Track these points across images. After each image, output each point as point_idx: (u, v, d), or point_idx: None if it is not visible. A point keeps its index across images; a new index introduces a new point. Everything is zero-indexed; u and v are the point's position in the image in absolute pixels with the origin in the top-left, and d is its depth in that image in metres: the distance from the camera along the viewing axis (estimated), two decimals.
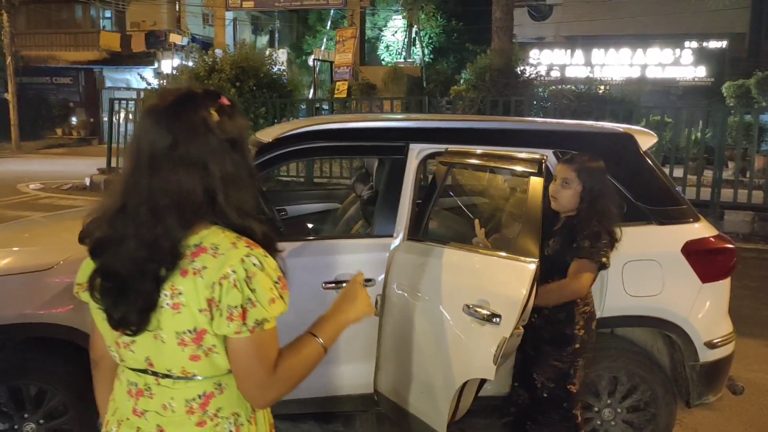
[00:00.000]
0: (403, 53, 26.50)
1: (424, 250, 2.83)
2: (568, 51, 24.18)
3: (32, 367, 2.92)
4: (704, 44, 23.39)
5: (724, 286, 3.20)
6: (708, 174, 10.04)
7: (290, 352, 1.42)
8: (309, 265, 3.00)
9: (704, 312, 3.09)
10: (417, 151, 3.13)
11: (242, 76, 11.65)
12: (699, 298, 3.07)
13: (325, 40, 26.68)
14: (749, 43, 24.89)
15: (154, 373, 1.39)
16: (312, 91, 21.42)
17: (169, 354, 1.35)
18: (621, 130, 3.35)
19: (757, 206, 9.28)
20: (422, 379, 2.68)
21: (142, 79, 13.50)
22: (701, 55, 23.18)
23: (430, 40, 28.13)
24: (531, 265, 2.32)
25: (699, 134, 11.48)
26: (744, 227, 9.02)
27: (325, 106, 14.57)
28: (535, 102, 10.75)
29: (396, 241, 2.99)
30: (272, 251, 1.41)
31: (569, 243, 2.68)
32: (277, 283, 1.37)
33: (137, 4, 27.80)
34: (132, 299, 1.31)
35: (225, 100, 1.42)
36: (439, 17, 26.72)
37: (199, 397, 1.39)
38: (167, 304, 1.32)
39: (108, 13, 29.29)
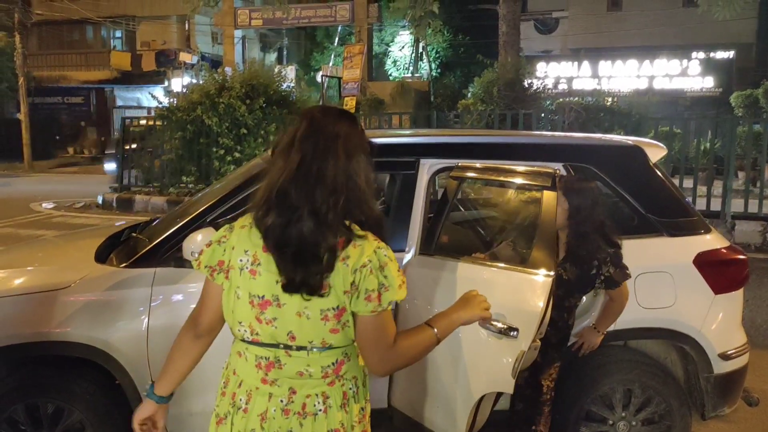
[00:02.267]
0: (411, 68, 26.63)
1: (436, 265, 2.84)
2: (575, 63, 24.21)
3: (50, 385, 2.95)
4: (711, 55, 23.36)
5: (737, 297, 3.19)
6: (718, 184, 10.01)
7: (409, 334, 1.74)
8: None
9: (717, 323, 3.08)
10: (428, 166, 3.16)
11: (252, 94, 11.77)
12: (712, 310, 3.07)
13: (333, 56, 26.88)
14: (757, 53, 24.87)
15: (287, 347, 1.65)
16: None
17: (311, 328, 1.62)
18: (630, 142, 3.36)
19: (767, 216, 9.23)
20: (438, 393, 2.69)
21: (152, 97, 13.64)
22: (709, 66, 23.15)
23: (437, 55, 28.31)
24: (547, 278, 2.34)
25: (708, 145, 11.46)
26: (755, 237, 8.96)
27: None
28: (543, 115, 10.77)
29: (408, 256, 3.01)
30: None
31: (582, 266, 2.79)
32: (400, 271, 1.66)
33: (147, 23, 28.18)
34: (311, 267, 1.58)
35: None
36: (446, 32, 26.89)
37: (333, 364, 1.67)
38: (323, 289, 1.60)
39: (119, 33, 29.71)
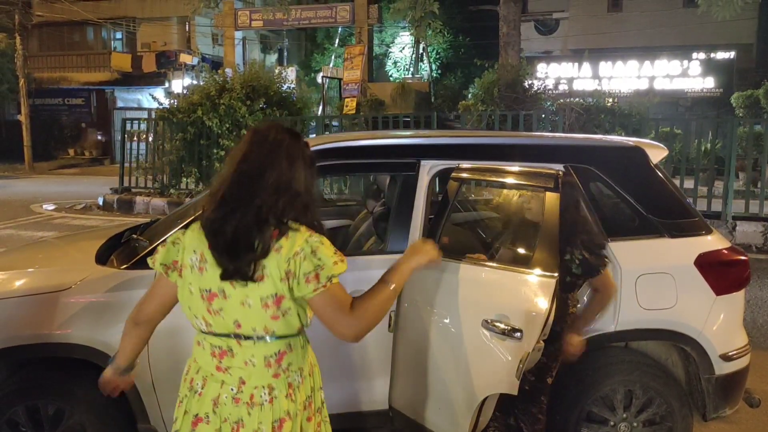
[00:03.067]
0: (411, 69, 26.63)
1: (438, 266, 2.85)
2: (576, 64, 24.22)
3: (50, 386, 2.95)
4: (712, 55, 23.35)
5: (738, 298, 3.18)
6: (719, 185, 10.01)
7: (365, 296, 1.90)
8: None
9: (719, 324, 3.07)
10: (428, 168, 3.15)
11: (253, 95, 11.78)
12: (713, 311, 3.06)
13: (333, 57, 26.89)
14: (757, 53, 24.85)
15: (237, 336, 1.82)
16: (321, 108, 21.55)
17: (254, 315, 1.79)
18: (631, 143, 3.35)
19: None
20: (440, 394, 2.69)
21: (153, 99, 13.65)
22: (709, 66, 23.15)
23: (438, 56, 28.31)
24: (551, 279, 2.33)
25: (709, 145, 11.45)
26: (757, 238, 8.96)
27: (335, 123, 14.67)
28: (543, 116, 10.77)
29: None
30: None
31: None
32: (336, 252, 1.81)
33: (148, 25, 28.20)
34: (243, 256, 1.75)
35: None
36: (446, 33, 26.89)
37: (275, 354, 1.83)
38: (255, 276, 1.76)
39: (119, 35, 29.73)
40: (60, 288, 2.95)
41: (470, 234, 3.63)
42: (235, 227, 1.76)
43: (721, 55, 23.50)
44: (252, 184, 1.79)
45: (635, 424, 3.07)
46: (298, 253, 1.77)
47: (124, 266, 3.03)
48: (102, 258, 3.21)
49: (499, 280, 2.58)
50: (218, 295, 1.81)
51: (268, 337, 1.82)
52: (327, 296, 1.79)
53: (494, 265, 2.72)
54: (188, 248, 1.86)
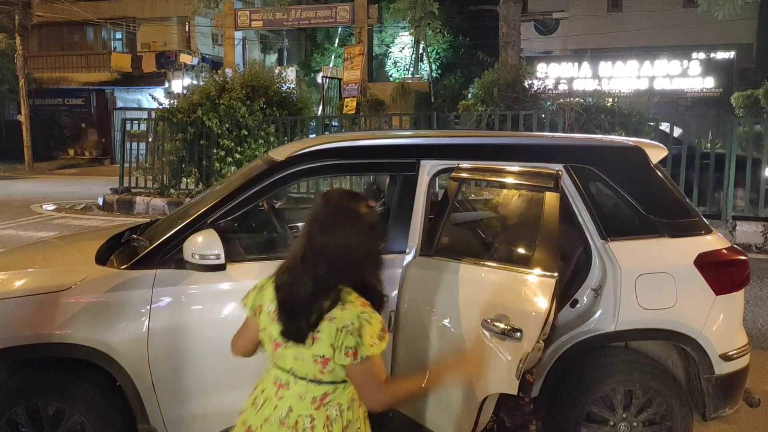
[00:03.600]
0: (411, 69, 26.63)
1: (437, 266, 2.85)
2: (576, 64, 24.21)
3: (50, 386, 2.95)
4: (712, 55, 23.34)
5: (738, 297, 3.18)
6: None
7: (401, 380, 2.34)
8: None
9: (718, 324, 3.07)
10: (428, 168, 3.15)
11: (252, 95, 11.77)
12: (713, 311, 3.06)
13: (333, 57, 26.89)
14: (757, 53, 24.85)
15: (294, 375, 2.06)
16: (321, 107, 21.56)
17: (306, 366, 2.04)
18: (631, 143, 3.35)
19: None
20: (441, 395, 2.69)
21: (153, 99, 13.65)
22: (709, 66, 23.14)
23: (438, 56, 28.31)
24: (550, 279, 2.33)
25: (709, 145, 11.43)
26: (757, 238, 8.96)
27: (335, 123, 14.66)
28: (543, 116, 10.77)
29: (409, 257, 3.00)
30: (379, 308, 2.10)
31: None
32: (381, 331, 2.02)
33: (148, 25, 28.21)
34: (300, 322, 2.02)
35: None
36: (446, 33, 26.89)
37: (323, 395, 2.07)
38: (310, 335, 2.00)
39: (119, 35, 29.74)
40: (60, 288, 2.95)
41: (470, 234, 3.63)
42: (296, 295, 2.01)
43: (720, 55, 23.50)
44: (313, 251, 2.01)
45: (635, 424, 3.06)
46: (347, 326, 1.98)
47: (125, 266, 3.03)
48: (102, 258, 3.21)
49: (499, 280, 2.58)
50: (281, 344, 2.07)
51: (317, 382, 2.06)
52: (361, 368, 2.01)
53: (494, 264, 2.72)
54: (268, 297, 2.11)
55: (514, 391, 2.38)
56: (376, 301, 2.10)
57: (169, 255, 2.98)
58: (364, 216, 2.06)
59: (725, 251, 3.17)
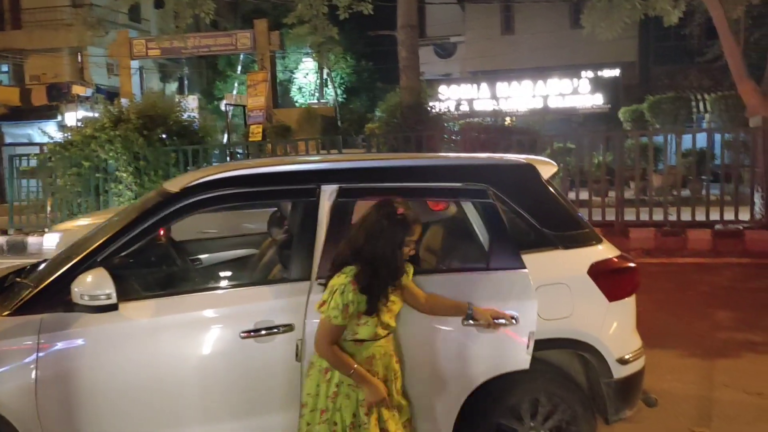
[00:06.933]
0: (316, 94, 26.73)
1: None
2: (475, 85, 25.00)
3: None
4: (599, 73, 24.74)
5: (629, 303, 3.33)
6: (613, 195, 10.56)
7: (340, 353, 2.67)
8: (225, 314, 2.94)
9: (614, 330, 3.19)
10: (329, 193, 3.13)
11: (150, 125, 11.41)
12: (607, 317, 3.18)
13: (236, 84, 26.56)
14: (640, 70, 26.61)
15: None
16: (226, 135, 21.18)
17: None
18: (523, 161, 3.47)
19: (658, 222, 9.83)
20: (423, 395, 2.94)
21: (43, 133, 12.99)
22: (597, 84, 24.48)
23: (342, 81, 28.54)
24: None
25: (601, 158, 12.10)
26: (648, 243, 9.50)
27: (240, 150, 14.44)
28: (446, 136, 11.04)
29: (314, 284, 2.97)
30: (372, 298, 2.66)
31: None
32: (342, 304, 2.60)
33: (36, 56, 26.84)
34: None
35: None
36: (348, 58, 27.20)
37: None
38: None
39: (5, 67, 28.13)
40: None
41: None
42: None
43: (607, 73, 24.96)
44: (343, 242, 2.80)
45: None
46: (332, 286, 2.64)
47: (6, 313, 2.83)
48: None
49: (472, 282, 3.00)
50: None
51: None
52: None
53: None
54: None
55: (526, 366, 2.98)
56: (374, 291, 2.62)
57: (56, 297, 2.81)
58: (388, 218, 2.67)
59: (616, 259, 3.31)
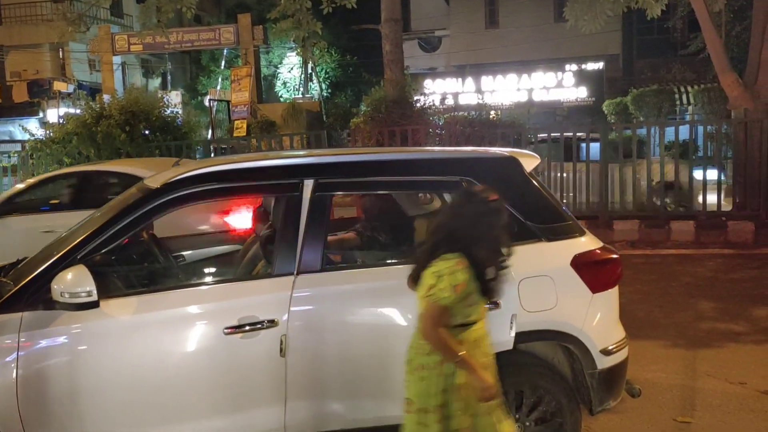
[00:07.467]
0: (301, 89, 26.60)
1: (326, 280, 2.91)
2: (459, 79, 25.00)
3: None
4: (583, 66, 24.80)
5: (613, 294, 3.35)
6: None
7: (445, 332, 2.61)
8: (209, 311, 2.93)
9: (597, 321, 3.22)
10: (312, 187, 3.12)
11: (132, 121, 11.33)
12: (591, 308, 3.20)
13: (220, 79, 26.38)
14: (623, 62, 26.73)
15: None
16: (210, 131, 21.04)
17: None
18: (506, 154, 3.48)
19: (641, 215, 9.90)
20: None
21: (24, 130, 12.84)
22: (581, 77, 24.56)
23: (327, 75, 28.41)
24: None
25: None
26: (632, 235, 9.57)
27: (224, 146, 14.37)
28: (431, 130, 11.04)
29: (298, 279, 2.96)
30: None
31: None
32: (441, 287, 2.56)
33: (17, 52, 26.51)
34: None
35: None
36: (333, 52, 27.07)
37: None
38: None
39: None
40: None
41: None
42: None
43: (591, 66, 25.02)
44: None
45: (528, 423, 3.15)
46: (438, 271, 2.58)
47: None
48: None
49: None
50: None
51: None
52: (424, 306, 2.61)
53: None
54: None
55: (510, 346, 3.07)
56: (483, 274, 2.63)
57: (36, 295, 2.78)
58: (479, 203, 2.66)
59: (598, 251, 3.33)
